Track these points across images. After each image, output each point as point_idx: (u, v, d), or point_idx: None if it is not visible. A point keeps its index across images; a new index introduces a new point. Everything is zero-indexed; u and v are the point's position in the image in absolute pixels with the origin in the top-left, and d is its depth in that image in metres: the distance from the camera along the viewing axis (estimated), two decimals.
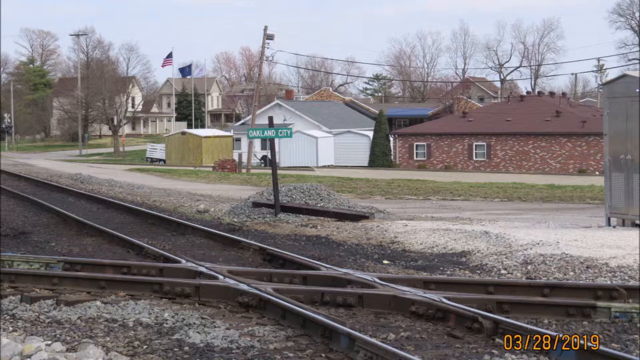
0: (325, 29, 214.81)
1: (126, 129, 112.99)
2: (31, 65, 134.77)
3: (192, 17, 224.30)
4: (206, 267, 12.28)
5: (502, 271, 13.56)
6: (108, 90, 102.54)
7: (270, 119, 23.43)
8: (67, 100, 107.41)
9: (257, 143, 66.47)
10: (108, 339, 8.77)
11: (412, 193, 36.49)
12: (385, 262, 14.75)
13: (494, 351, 8.24)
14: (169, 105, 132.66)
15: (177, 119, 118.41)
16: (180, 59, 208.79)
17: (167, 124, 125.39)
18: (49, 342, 8.35)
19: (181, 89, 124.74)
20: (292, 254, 14.25)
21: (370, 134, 70.18)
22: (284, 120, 75.11)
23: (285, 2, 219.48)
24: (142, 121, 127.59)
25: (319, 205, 22.45)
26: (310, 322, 9.00)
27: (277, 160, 33.01)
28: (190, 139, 73.00)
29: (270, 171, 27.19)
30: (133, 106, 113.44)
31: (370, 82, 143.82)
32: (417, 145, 69.08)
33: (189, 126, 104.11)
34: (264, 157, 68.21)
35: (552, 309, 9.81)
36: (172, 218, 20.82)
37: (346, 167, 65.79)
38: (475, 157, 67.26)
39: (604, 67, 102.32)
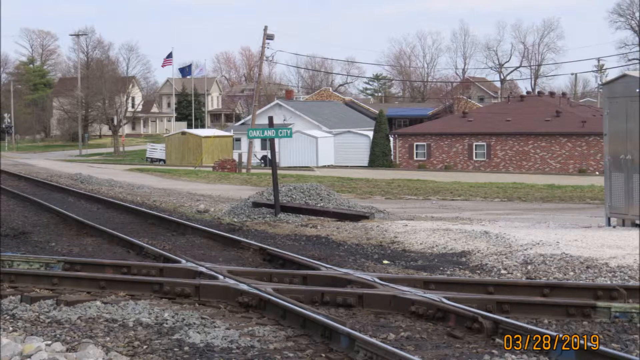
0: (325, 29, 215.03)
1: (126, 129, 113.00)
2: (31, 65, 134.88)
3: (192, 17, 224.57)
4: (206, 267, 12.28)
5: (502, 271, 13.55)
6: (108, 90, 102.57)
7: (270, 119, 23.43)
8: (67, 100, 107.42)
9: (257, 143, 66.46)
10: (108, 339, 8.77)
11: (412, 193, 36.48)
12: (385, 262, 14.75)
13: (494, 351, 8.24)
14: (169, 105, 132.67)
15: (177, 119, 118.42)
16: (180, 59, 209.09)
17: (167, 124, 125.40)
18: (49, 342, 8.35)
19: (181, 89, 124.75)
20: (292, 254, 14.25)
21: (370, 134, 70.18)
22: (284, 120, 75.09)
23: (285, 2, 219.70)
24: (142, 121, 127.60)
25: (319, 205, 22.44)
26: (310, 322, 9.00)
27: (277, 160, 33.00)
28: (190, 139, 73.00)
29: (270, 171, 27.18)
30: (133, 106, 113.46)
31: (370, 82, 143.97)
32: (417, 145, 69.08)
33: (189, 126, 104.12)
34: (264, 157, 68.21)
35: (552, 309, 9.81)
36: (172, 218, 20.81)
37: (346, 167, 65.79)
38: (475, 157, 67.26)
39: (604, 67, 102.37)
